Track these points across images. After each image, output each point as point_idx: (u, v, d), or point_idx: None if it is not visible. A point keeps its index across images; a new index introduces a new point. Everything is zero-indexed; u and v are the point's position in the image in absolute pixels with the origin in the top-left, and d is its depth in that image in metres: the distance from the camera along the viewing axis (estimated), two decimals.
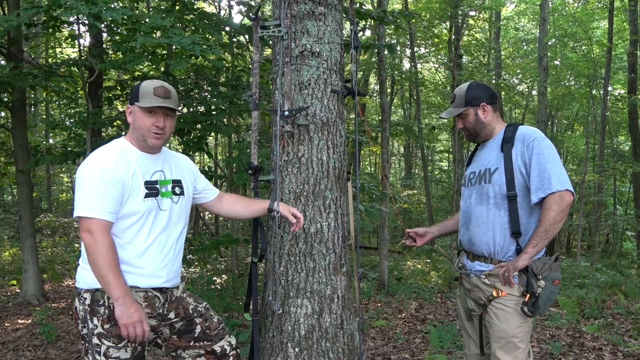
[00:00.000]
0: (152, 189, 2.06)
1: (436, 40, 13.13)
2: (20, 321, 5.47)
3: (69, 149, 5.80)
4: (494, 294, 2.27)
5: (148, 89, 2.06)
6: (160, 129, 2.07)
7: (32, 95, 9.67)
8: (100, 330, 1.97)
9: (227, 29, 5.81)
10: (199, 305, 2.25)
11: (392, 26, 6.98)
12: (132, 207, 2.00)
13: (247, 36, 5.97)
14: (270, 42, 2.90)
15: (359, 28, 3.29)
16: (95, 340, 1.97)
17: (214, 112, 5.40)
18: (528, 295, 2.18)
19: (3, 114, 9.45)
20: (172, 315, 2.16)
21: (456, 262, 2.55)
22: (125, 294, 1.91)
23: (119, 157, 2.00)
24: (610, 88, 14.38)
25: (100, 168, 1.95)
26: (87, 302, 1.99)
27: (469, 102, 2.35)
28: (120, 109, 8.47)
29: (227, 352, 2.26)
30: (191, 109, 6.06)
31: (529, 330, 2.30)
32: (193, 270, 8.45)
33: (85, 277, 2.01)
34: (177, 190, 2.17)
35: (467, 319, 2.53)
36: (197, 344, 2.21)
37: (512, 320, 2.23)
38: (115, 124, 5.96)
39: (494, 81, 12.58)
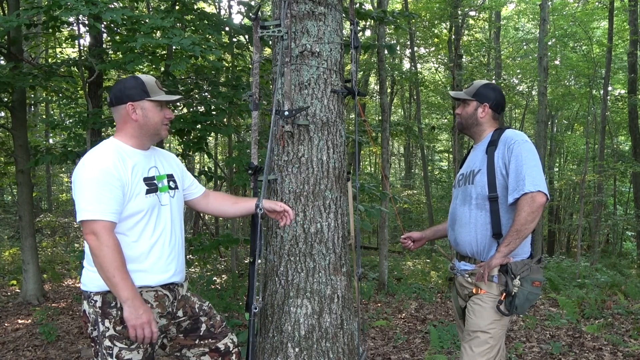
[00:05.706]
0: (151, 185, 2.07)
1: (436, 40, 13.14)
2: (20, 321, 5.47)
3: (69, 149, 5.80)
4: (474, 291, 2.34)
5: (152, 84, 2.09)
6: (170, 121, 2.15)
7: (32, 95, 9.67)
8: (112, 333, 1.95)
9: (227, 29, 5.80)
10: (203, 304, 2.28)
11: (392, 26, 6.98)
12: (136, 205, 1.99)
13: (247, 36, 5.96)
14: (270, 42, 2.90)
15: (359, 28, 3.29)
16: (107, 343, 1.95)
17: (214, 112, 5.39)
18: (504, 294, 2.23)
19: (3, 114, 9.44)
20: (180, 313, 2.18)
21: (450, 264, 2.62)
22: (134, 295, 1.89)
23: (117, 157, 1.99)
24: (610, 88, 14.37)
25: (98, 169, 1.92)
26: (98, 304, 1.96)
27: (476, 95, 2.48)
28: None
29: (230, 350, 2.29)
30: (191, 109, 6.05)
31: (502, 332, 2.32)
32: (193, 270, 8.45)
33: (94, 280, 1.97)
34: (171, 184, 2.18)
35: (460, 317, 2.59)
36: (202, 342, 2.23)
37: (486, 315, 2.28)
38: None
39: (494, 81, 12.57)
